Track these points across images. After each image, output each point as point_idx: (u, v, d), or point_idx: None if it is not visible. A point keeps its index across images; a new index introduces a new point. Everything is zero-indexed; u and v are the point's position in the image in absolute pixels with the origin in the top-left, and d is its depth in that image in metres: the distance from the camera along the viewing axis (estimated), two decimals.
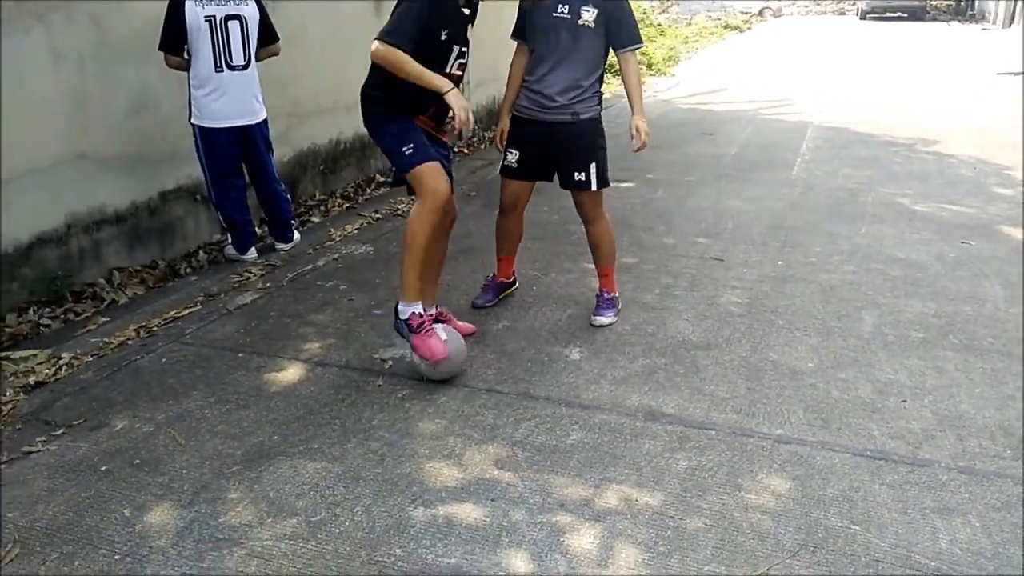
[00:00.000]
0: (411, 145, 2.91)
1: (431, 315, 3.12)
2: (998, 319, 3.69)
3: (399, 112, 2.96)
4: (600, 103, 3.48)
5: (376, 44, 2.76)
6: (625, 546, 2.24)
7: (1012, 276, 4.20)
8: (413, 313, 3.00)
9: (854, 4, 32.30)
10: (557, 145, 3.44)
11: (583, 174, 3.43)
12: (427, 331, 3.00)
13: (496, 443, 2.73)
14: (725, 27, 23.19)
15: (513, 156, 3.53)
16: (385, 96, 2.94)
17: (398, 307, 3.06)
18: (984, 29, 21.99)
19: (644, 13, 18.49)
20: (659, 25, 19.76)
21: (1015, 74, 11.83)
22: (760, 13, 30.54)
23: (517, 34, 3.50)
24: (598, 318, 3.64)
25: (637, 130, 3.36)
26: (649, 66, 13.51)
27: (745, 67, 14.52)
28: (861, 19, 28.13)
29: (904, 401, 2.99)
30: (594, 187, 3.46)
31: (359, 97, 3.02)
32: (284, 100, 5.24)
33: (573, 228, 3.68)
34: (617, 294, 3.75)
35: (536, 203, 5.50)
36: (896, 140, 7.76)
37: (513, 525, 2.32)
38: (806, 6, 35.34)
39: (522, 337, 3.56)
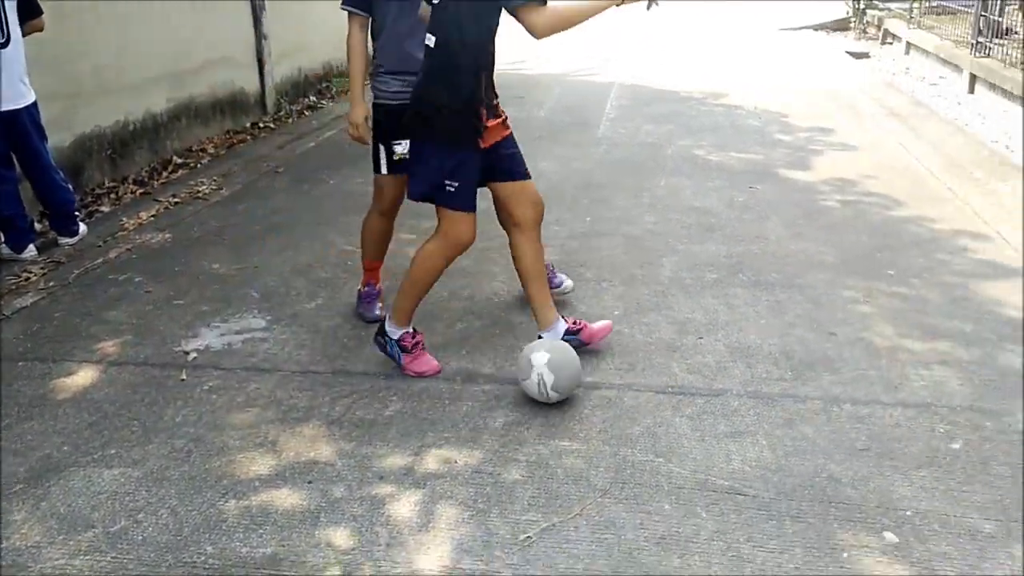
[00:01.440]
0: (455, 183, 2.73)
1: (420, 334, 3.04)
2: (780, 255, 4.04)
3: (472, 132, 2.77)
4: None
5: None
6: (446, 507, 2.26)
7: (791, 216, 4.60)
8: (404, 334, 2.93)
9: None
10: None
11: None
12: (418, 351, 2.96)
13: (312, 425, 2.67)
14: None
15: (402, 147, 3.03)
16: (464, 109, 2.76)
17: (386, 327, 2.95)
18: None
19: None
20: None
21: (797, 29, 12.88)
22: None
23: (351, 1, 3.01)
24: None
25: None
26: None
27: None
28: None
29: (700, 338, 3.21)
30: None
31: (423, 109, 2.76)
32: (59, 80, 4.75)
33: None
34: None
35: (349, 174, 5.40)
36: (691, 95, 8.23)
37: (332, 504, 2.28)
38: None
39: (337, 314, 3.48)
